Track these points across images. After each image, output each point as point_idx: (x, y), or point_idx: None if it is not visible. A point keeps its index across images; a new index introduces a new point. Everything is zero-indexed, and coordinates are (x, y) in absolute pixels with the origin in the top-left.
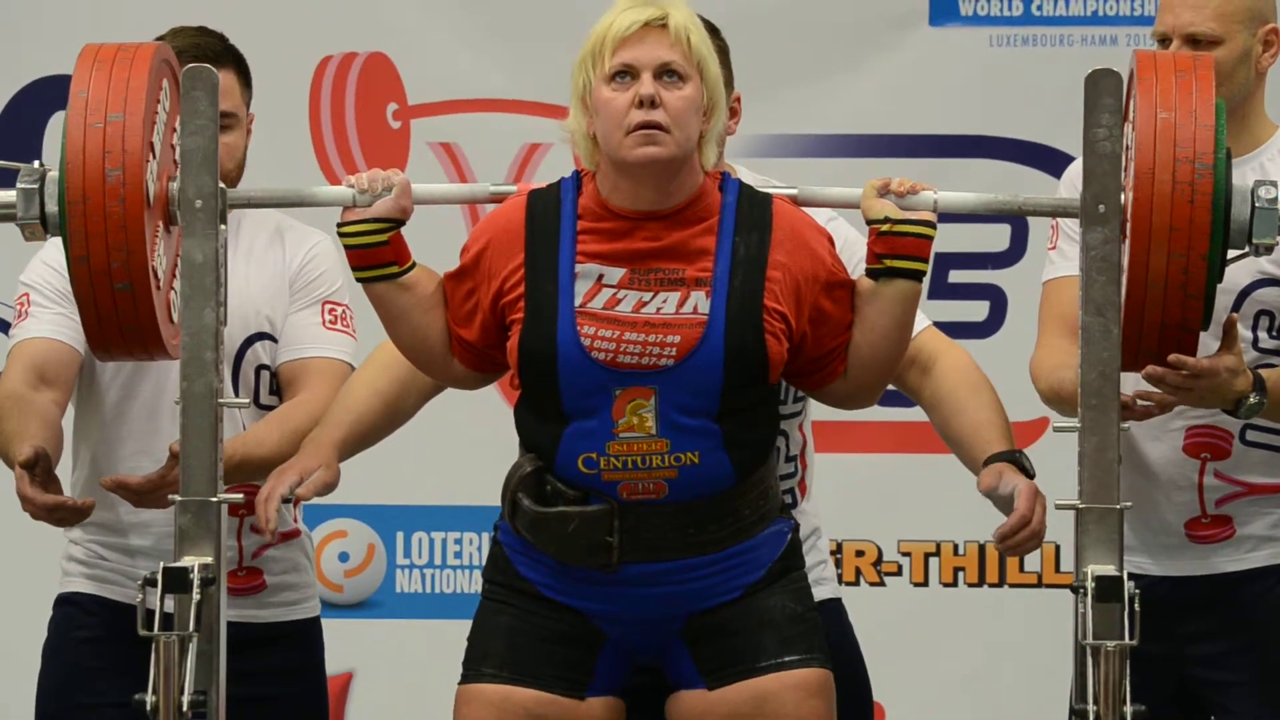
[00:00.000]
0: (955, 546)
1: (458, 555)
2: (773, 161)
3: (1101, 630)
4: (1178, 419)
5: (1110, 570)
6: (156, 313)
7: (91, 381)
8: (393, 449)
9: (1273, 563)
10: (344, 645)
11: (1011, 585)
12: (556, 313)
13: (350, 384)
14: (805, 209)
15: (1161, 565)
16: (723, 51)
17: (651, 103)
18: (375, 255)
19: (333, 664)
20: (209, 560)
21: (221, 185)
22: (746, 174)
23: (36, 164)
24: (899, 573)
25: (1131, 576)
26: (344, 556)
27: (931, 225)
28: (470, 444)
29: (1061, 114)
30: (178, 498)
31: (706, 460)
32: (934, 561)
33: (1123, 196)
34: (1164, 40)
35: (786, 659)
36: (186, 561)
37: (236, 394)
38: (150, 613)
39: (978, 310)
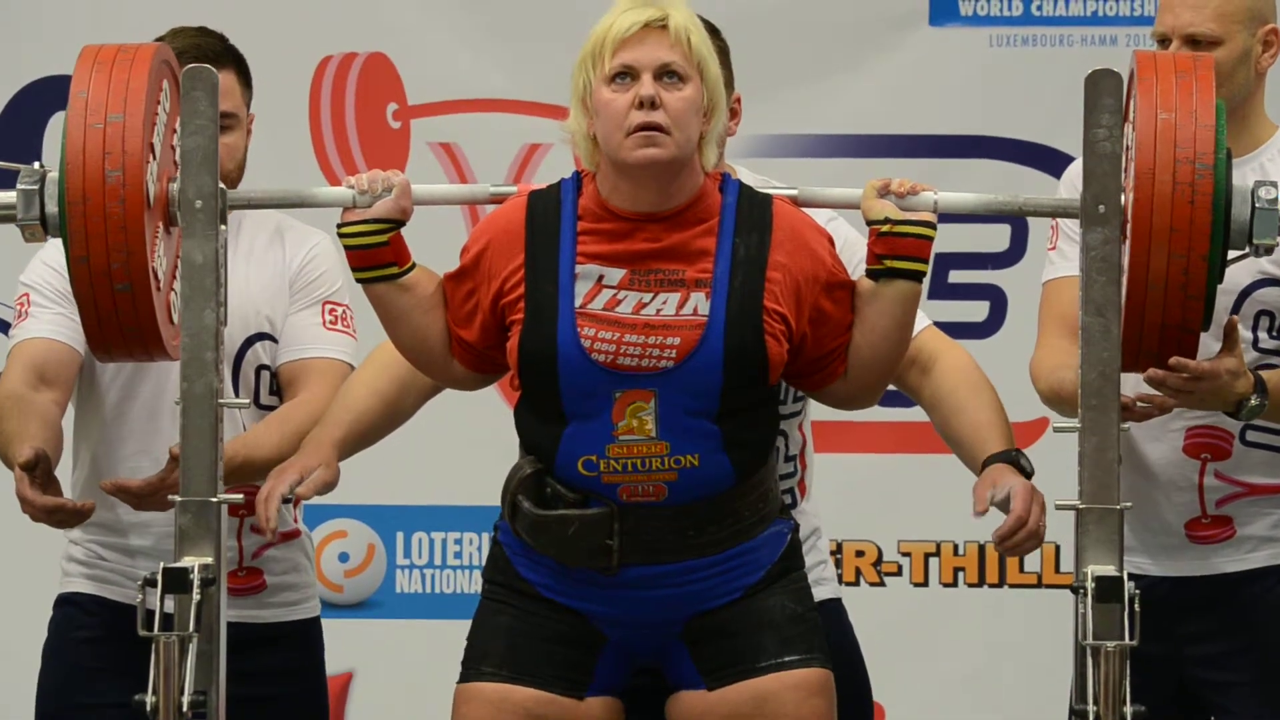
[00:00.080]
0: (955, 547)
1: (458, 555)
2: (773, 162)
3: (1101, 630)
4: (1178, 419)
5: (1110, 571)
6: (156, 313)
7: (92, 382)
8: (393, 449)
9: (1273, 563)
10: (344, 645)
11: (1011, 585)
12: (557, 314)
13: (350, 383)
14: (805, 209)
15: (1161, 566)
16: (723, 52)
17: (652, 104)
18: (375, 256)
19: (333, 664)
20: (209, 560)
21: (221, 186)
22: (747, 174)
23: (37, 165)
24: (899, 573)
25: (1131, 577)
26: (344, 556)
27: (932, 226)
28: (470, 444)
29: (1061, 114)
30: (178, 498)
31: (706, 462)
32: (934, 562)
33: (1123, 197)
34: (1164, 41)
35: (786, 659)
36: (186, 562)
37: (237, 394)
38: (150, 613)
39: (978, 310)
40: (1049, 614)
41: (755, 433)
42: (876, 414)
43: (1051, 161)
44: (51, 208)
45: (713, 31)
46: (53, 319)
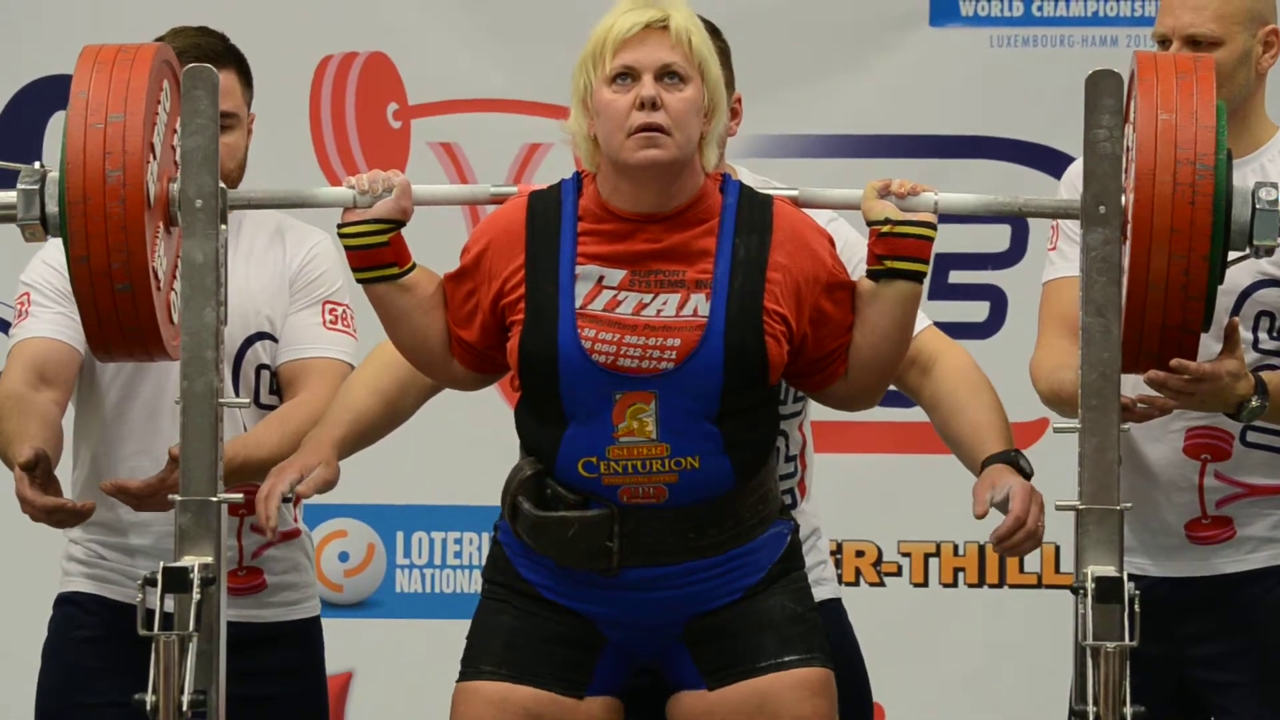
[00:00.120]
0: (955, 547)
1: (457, 555)
2: (773, 162)
3: (1101, 631)
4: (1178, 420)
5: (1110, 571)
6: (157, 313)
7: (92, 381)
8: (393, 449)
9: (1273, 564)
10: (344, 645)
11: (1011, 586)
12: (557, 315)
13: (350, 383)
14: (806, 210)
15: (1161, 566)
16: (724, 53)
17: (653, 104)
18: (375, 256)
19: (333, 664)
20: (209, 560)
21: (222, 185)
22: (747, 175)
23: (37, 165)
24: (899, 573)
25: (1132, 578)
26: (344, 556)
27: (932, 226)
28: (470, 444)
29: (1062, 114)
30: (178, 497)
31: (707, 464)
32: (934, 562)
33: (1123, 198)
34: (1164, 41)
35: (786, 659)
36: (186, 561)
37: (237, 394)
38: (150, 612)
39: (978, 311)
40: (1049, 614)
41: (755, 433)
42: (876, 414)
43: (1052, 162)
44: (52, 207)
45: (713, 32)
46: (53, 318)
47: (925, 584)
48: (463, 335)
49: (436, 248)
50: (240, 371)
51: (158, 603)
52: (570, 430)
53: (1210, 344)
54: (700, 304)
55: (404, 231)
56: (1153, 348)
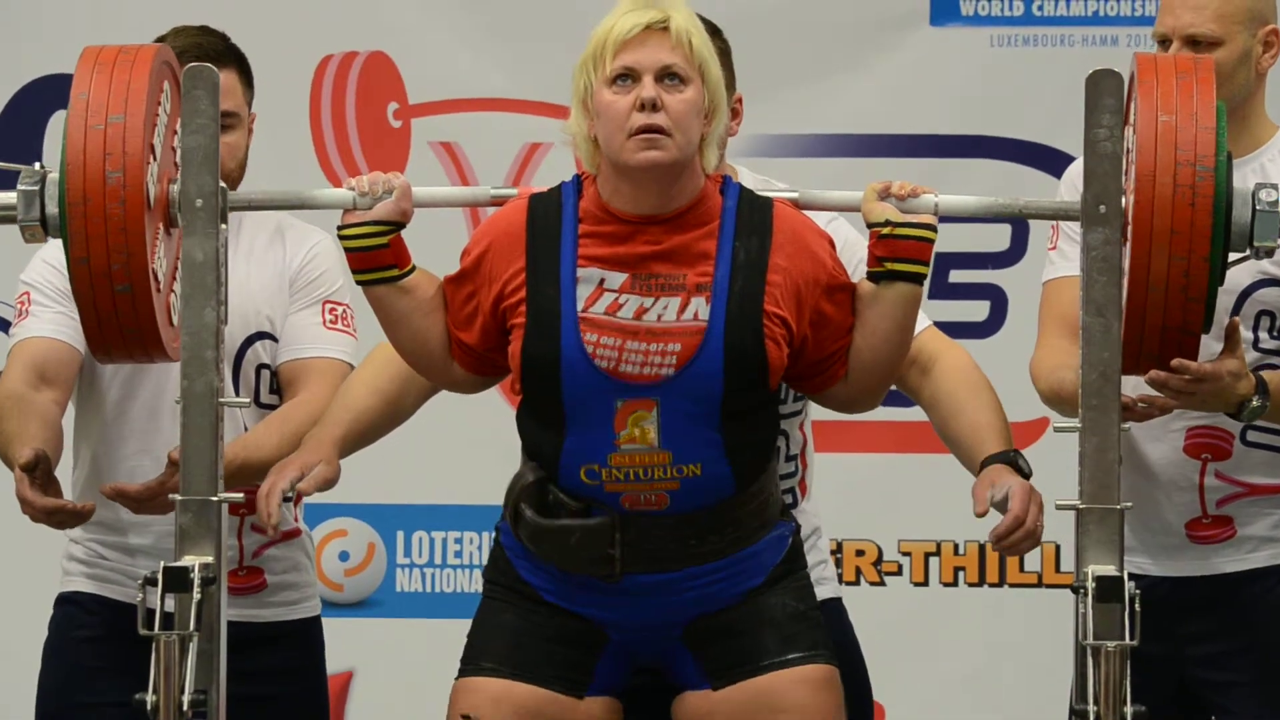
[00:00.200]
0: (955, 546)
1: (458, 555)
2: (773, 161)
3: (1102, 630)
4: (1178, 420)
5: (1111, 570)
6: (156, 315)
7: (92, 381)
8: (393, 448)
9: (1273, 563)
10: (344, 644)
11: (1012, 585)
12: (559, 318)
13: (350, 382)
14: (806, 211)
15: (1162, 566)
16: (724, 53)
17: (653, 106)
18: (375, 258)
19: (333, 663)
20: (209, 559)
21: (222, 185)
22: (747, 174)
23: (37, 166)
24: (899, 572)
25: (1132, 577)
26: (344, 555)
27: (932, 228)
28: (470, 443)
29: (1062, 114)
30: (178, 497)
31: (708, 471)
32: (934, 561)
33: (1124, 199)
34: (1164, 41)
35: (789, 656)
36: (187, 561)
37: (237, 393)
38: (151, 612)
39: (978, 310)
40: (1049, 614)
41: (756, 437)
42: (877, 414)
43: (1052, 161)
44: (52, 209)
45: (714, 32)
46: (53, 318)
47: (925, 583)
48: (463, 338)
49: (437, 249)
50: (240, 371)
51: (158, 602)
52: (571, 436)
53: (1210, 344)
54: (700, 308)
55: (404, 233)
56: (1153, 349)
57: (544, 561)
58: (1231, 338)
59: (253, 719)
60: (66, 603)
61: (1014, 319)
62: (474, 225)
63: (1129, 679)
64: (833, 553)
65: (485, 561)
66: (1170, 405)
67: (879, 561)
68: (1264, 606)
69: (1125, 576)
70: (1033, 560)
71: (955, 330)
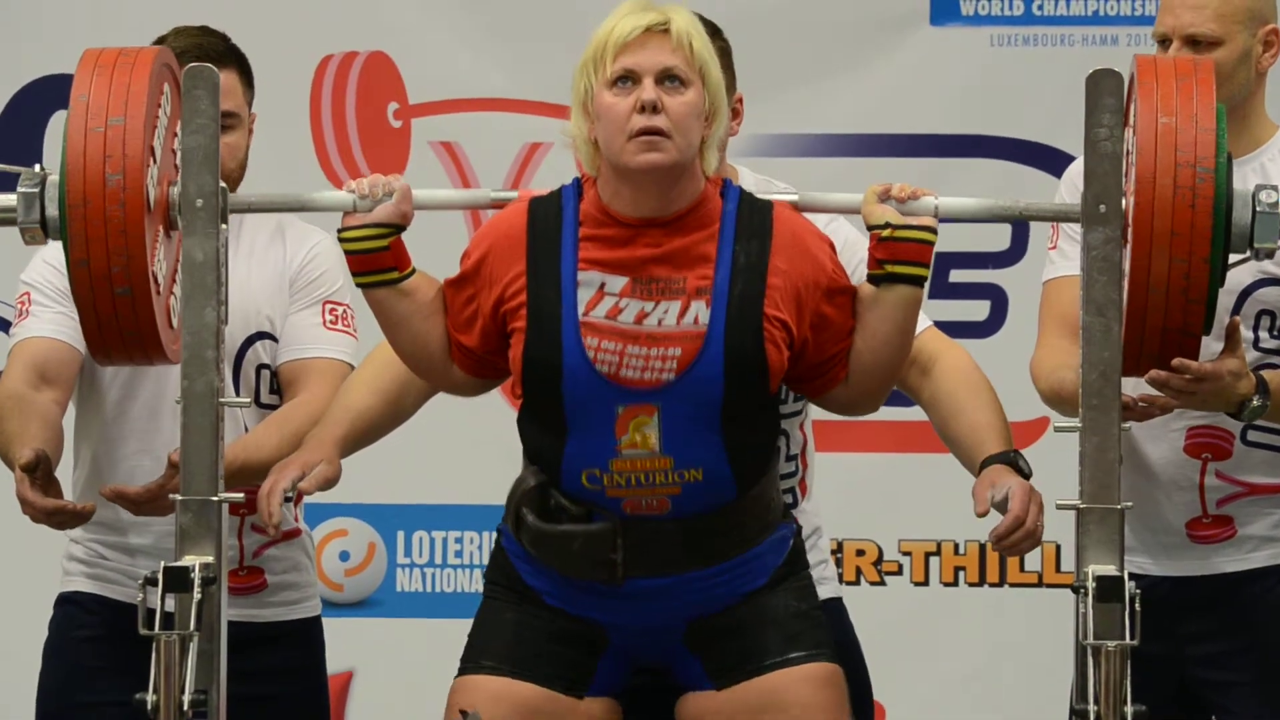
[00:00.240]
0: (956, 546)
1: (458, 554)
2: (773, 161)
3: (1102, 630)
4: (1179, 419)
5: (1111, 570)
6: (156, 318)
7: (92, 380)
8: (393, 448)
9: (1273, 563)
10: (344, 644)
11: (1012, 585)
12: (560, 322)
13: (350, 382)
14: (807, 213)
15: (1162, 565)
16: (725, 53)
17: (654, 108)
18: (375, 260)
19: (333, 663)
20: (210, 559)
21: (222, 184)
22: (748, 174)
23: (37, 168)
24: (899, 572)
25: (1132, 576)
26: (344, 555)
27: (932, 230)
28: (471, 443)
29: (1062, 114)
30: (179, 497)
31: (710, 475)
32: (934, 561)
33: (1124, 201)
34: (1164, 41)
35: (792, 655)
36: (187, 560)
37: (237, 393)
38: (151, 612)
39: (978, 310)
40: (1050, 613)
41: (757, 439)
42: (877, 414)
43: (1052, 161)
44: (52, 211)
45: (714, 32)
46: (54, 318)
47: (926, 583)
48: (463, 340)
49: (438, 251)
50: (240, 371)
51: (158, 602)
52: (573, 441)
53: (1211, 343)
54: (700, 312)
55: (405, 235)
56: (1154, 351)
57: (545, 566)
58: (1232, 337)
59: (253, 719)
60: (67, 603)
61: (1014, 319)
62: (474, 227)
63: (1129, 679)
64: (833, 552)
65: (485, 561)
66: (1170, 405)
67: (879, 561)
68: (1264, 606)
69: (1125, 576)
70: (1033, 560)
71: (955, 330)
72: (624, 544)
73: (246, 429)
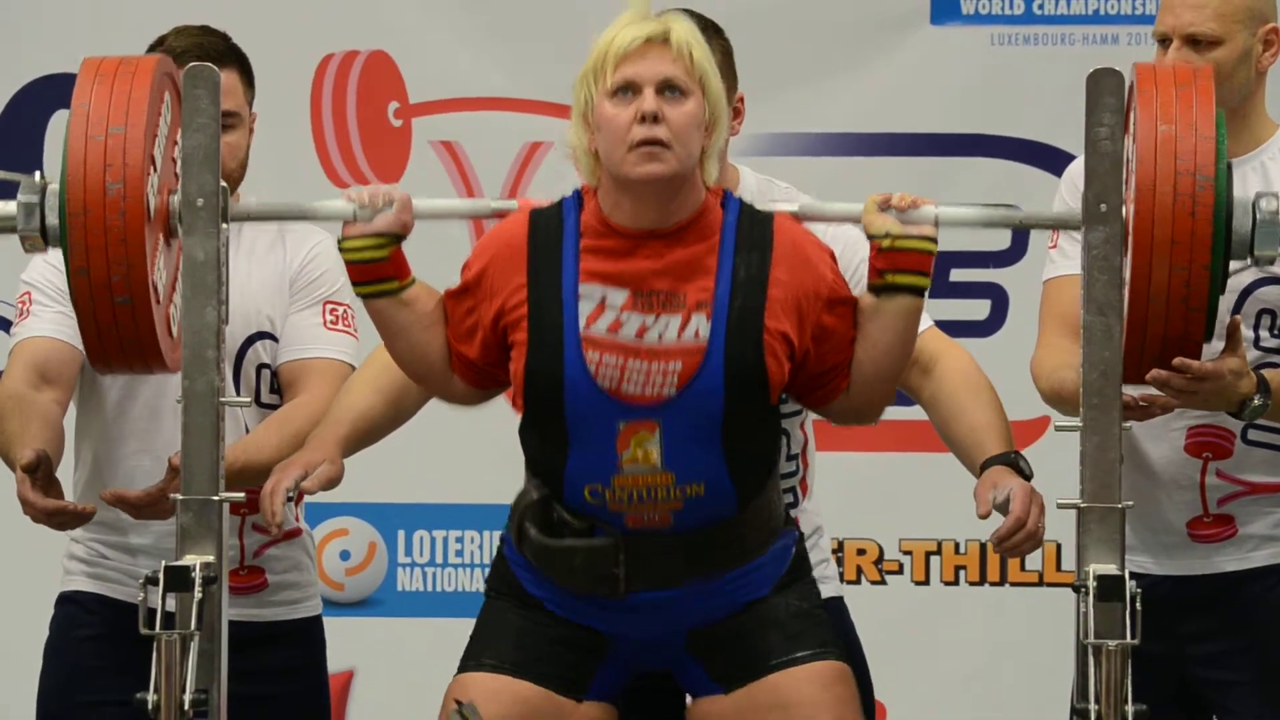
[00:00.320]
0: (956, 545)
1: (459, 554)
2: (774, 160)
3: (1103, 629)
4: (1179, 419)
5: (1112, 569)
6: (156, 327)
7: (93, 380)
8: (394, 447)
9: (1274, 562)
10: (345, 644)
11: (1013, 584)
12: (562, 336)
13: (352, 382)
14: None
15: (1163, 565)
16: (726, 52)
17: (654, 118)
18: (375, 270)
19: (334, 662)
20: (210, 559)
21: (223, 184)
22: (749, 174)
23: (37, 176)
24: (900, 571)
25: (1133, 576)
26: (345, 555)
27: (933, 240)
28: (472, 442)
29: (1062, 113)
30: (179, 496)
31: (711, 489)
32: (935, 560)
33: (1124, 210)
34: (1164, 40)
35: (797, 655)
36: (188, 560)
37: (238, 393)
38: (152, 611)
39: (979, 309)
40: (1050, 613)
41: (758, 451)
42: None
43: (1053, 160)
44: (52, 219)
45: (715, 31)
46: (54, 317)
47: (926, 582)
48: (464, 351)
49: (440, 258)
50: (241, 371)
51: (159, 602)
52: (574, 454)
53: (1212, 342)
54: (701, 325)
55: (409, 240)
56: (1154, 359)
57: (548, 579)
58: (1233, 336)
59: (254, 718)
60: (67, 602)
61: (1015, 318)
62: (477, 234)
63: (1130, 678)
64: (834, 552)
65: (486, 561)
66: (1171, 404)
67: (880, 560)
68: (1265, 605)
69: (1126, 575)
70: (1034, 559)
71: (956, 329)
72: (626, 558)
73: (247, 429)
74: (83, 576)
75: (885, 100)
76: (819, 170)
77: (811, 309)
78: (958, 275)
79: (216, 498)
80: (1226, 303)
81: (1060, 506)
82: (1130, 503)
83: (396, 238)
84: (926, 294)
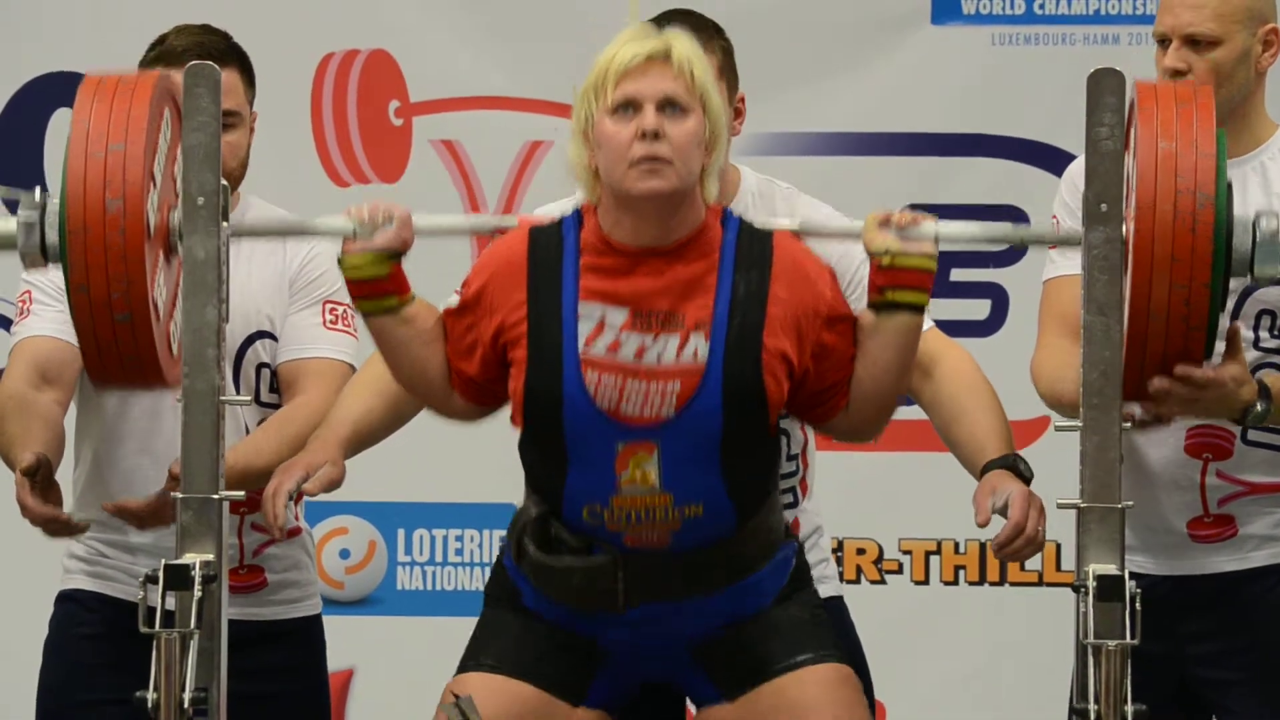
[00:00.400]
0: (956, 545)
1: (459, 552)
2: (774, 160)
3: (1103, 629)
4: (1180, 419)
5: (1111, 569)
6: (156, 344)
7: None
8: (394, 446)
9: (1274, 562)
10: (345, 642)
11: (1012, 584)
12: (561, 355)
13: (353, 383)
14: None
15: (1162, 565)
16: (727, 52)
17: (655, 135)
18: (375, 287)
19: (334, 661)
20: (210, 557)
21: (224, 183)
22: (749, 174)
23: (37, 192)
24: (900, 571)
25: (1133, 576)
26: (345, 553)
27: (933, 257)
28: (472, 442)
29: (1063, 113)
30: (179, 495)
31: (710, 510)
32: (935, 560)
33: (1124, 227)
34: (1163, 40)
35: (799, 659)
36: (188, 558)
37: (237, 392)
38: (151, 610)
39: (979, 309)
40: (1050, 613)
41: (756, 469)
42: None
43: (1053, 160)
44: (52, 237)
45: (716, 31)
46: (55, 317)
47: (926, 582)
48: (463, 368)
49: (441, 269)
50: (240, 370)
51: (159, 600)
52: (573, 473)
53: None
54: (700, 345)
55: (410, 252)
56: (1154, 377)
57: (547, 595)
58: (1233, 342)
59: (254, 717)
60: (67, 600)
61: (1015, 318)
62: (478, 245)
63: (1129, 678)
64: (833, 551)
65: (485, 559)
66: (1172, 416)
67: (880, 560)
68: (1265, 606)
69: (1126, 575)
70: (1033, 559)
71: (956, 329)
72: (625, 575)
73: (247, 428)
74: (82, 575)
75: (885, 100)
76: (819, 170)
77: (811, 327)
78: (958, 275)
79: (216, 496)
80: (1226, 305)
81: (1060, 506)
82: (1130, 503)
83: (396, 254)
84: (927, 311)
